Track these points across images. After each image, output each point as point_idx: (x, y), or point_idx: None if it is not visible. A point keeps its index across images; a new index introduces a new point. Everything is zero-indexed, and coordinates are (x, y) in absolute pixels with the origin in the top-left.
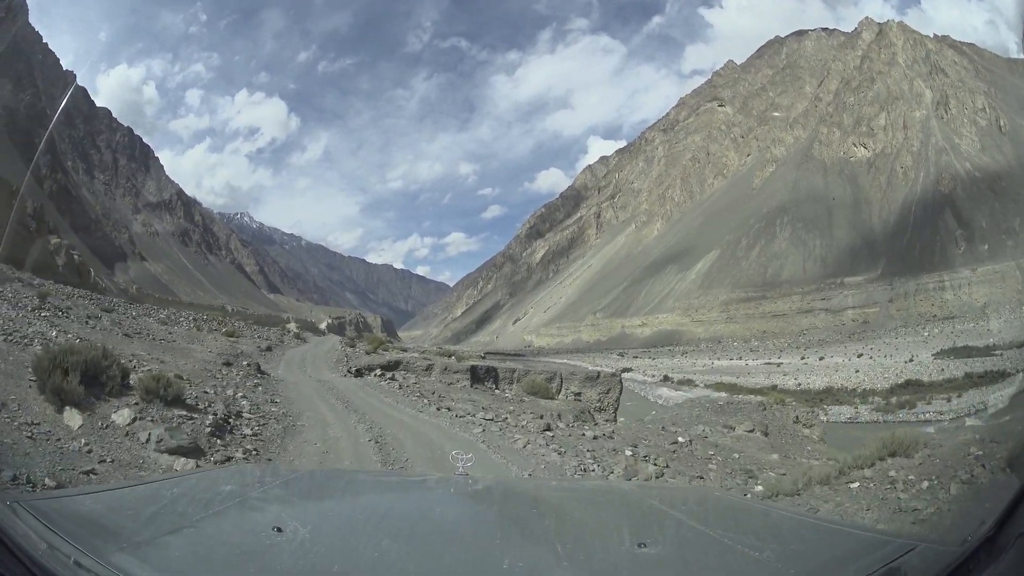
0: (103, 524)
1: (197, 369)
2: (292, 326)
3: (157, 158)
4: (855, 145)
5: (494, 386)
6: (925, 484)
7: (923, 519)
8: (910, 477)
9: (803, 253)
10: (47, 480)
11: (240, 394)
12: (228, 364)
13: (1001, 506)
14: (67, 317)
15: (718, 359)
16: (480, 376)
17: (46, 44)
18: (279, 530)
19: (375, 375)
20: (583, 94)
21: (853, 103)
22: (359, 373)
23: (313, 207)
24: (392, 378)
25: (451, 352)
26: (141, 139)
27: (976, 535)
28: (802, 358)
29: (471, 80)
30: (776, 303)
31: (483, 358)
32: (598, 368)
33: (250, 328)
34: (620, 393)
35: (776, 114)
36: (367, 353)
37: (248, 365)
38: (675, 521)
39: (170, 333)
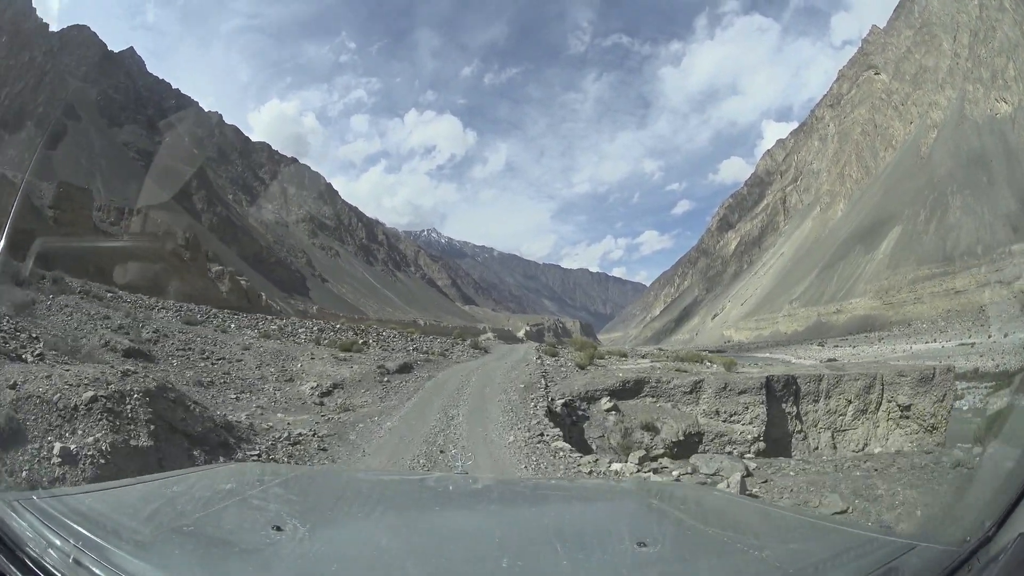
0: (103, 522)
1: None
2: (487, 336)
3: (329, 184)
4: (996, 100)
5: (794, 408)
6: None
7: (923, 518)
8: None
9: (974, 222)
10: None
11: None
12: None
13: (1001, 506)
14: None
15: (914, 344)
16: (776, 392)
17: (177, 90)
18: (278, 529)
19: (604, 408)
20: (749, 77)
21: (984, 56)
22: (573, 414)
23: (502, 218)
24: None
25: (682, 354)
26: (309, 168)
27: (976, 535)
28: (989, 336)
29: (640, 75)
30: (957, 279)
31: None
32: (930, 364)
33: (407, 337)
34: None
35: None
36: (580, 367)
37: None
38: (675, 520)
39: (246, 351)
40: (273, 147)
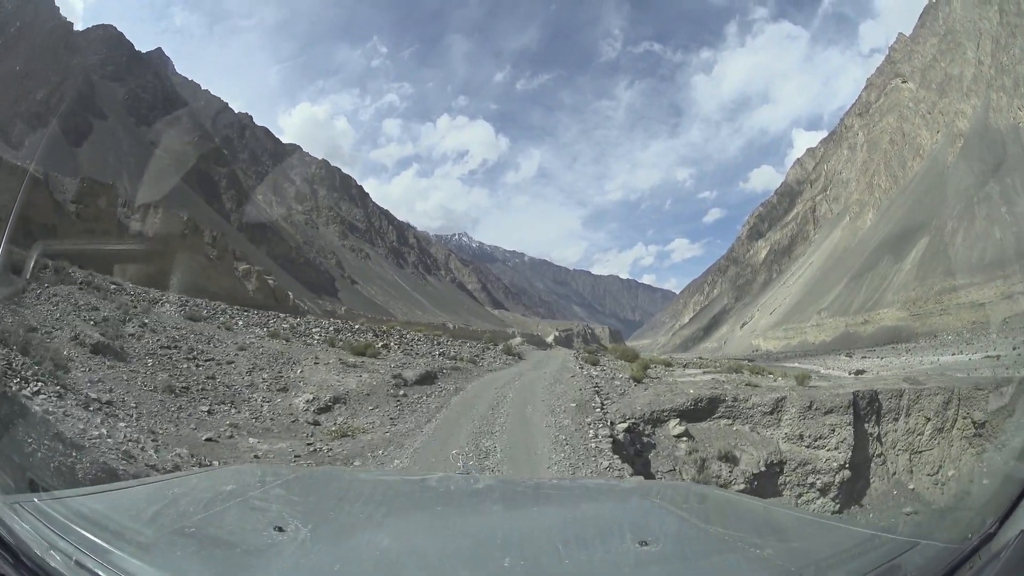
0: (104, 524)
1: None
2: (517, 340)
3: (361, 186)
4: (1019, 108)
5: (876, 428)
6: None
7: (925, 516)
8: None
9: (1001, 233)
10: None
11: None
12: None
13: (1003, 503)
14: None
15: (941, 355)
16: (860, 411)
17: (207, 91)
18: (280, 530)
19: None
20: (780, 85)
21: (1007, 63)
22: (637, 441)
23: (533, 224)
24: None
25: (738, 365)
26: (340, 170)
27: (977, 533)
28: (1014, 348)
29: (673, 83)
30: (983, 289)
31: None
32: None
33: (433, 341)
34: None
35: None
36: (635, 380)
37: None
38: (676, 519)
39: (241, 352)
40: (304, 149)
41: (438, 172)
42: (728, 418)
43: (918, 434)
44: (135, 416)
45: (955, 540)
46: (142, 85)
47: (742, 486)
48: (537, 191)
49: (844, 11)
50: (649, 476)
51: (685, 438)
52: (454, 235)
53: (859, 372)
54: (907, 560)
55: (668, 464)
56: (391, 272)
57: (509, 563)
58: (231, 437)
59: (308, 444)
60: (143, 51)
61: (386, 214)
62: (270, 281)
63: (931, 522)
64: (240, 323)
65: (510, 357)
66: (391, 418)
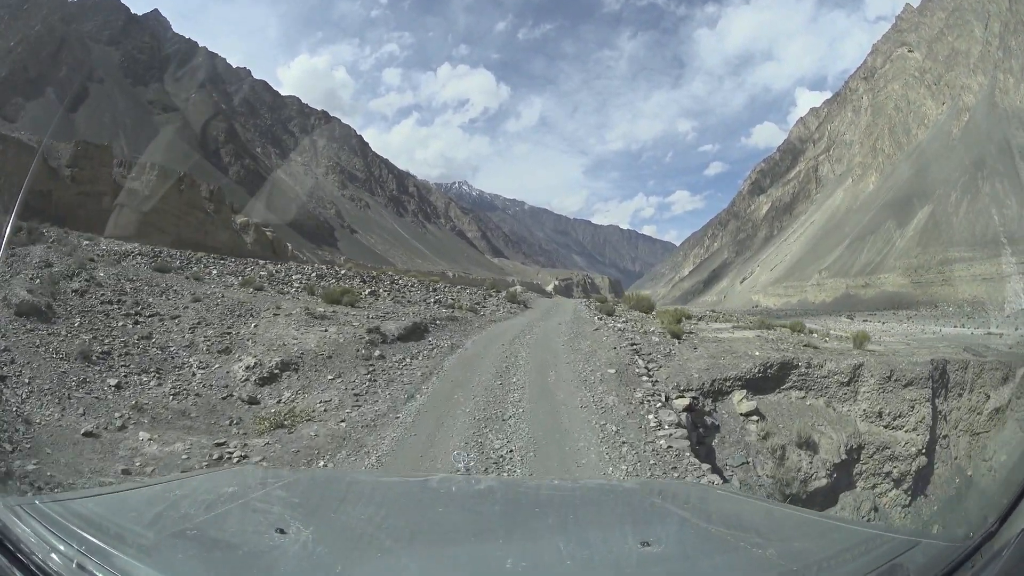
0: (106, 526)
1: None
2: (518, 288)
3: (360, 136)
4: None
5: (945, 404)
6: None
7: (926, 515)
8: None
9: (1003, 210)
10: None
11: None
12: None
13: (1004, 502)
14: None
15: (943, 326)
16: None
17: (204, 48)
18: (282, 532)
19: (740, 410)
20: (785, 44)
21: (1015, 47)
22: (698, 422)
23: (534, 172)
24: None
25: (761, 319)
26: (340, 120)
27: (979, 531)
28: (1016, 328)
29: (676, 36)
30: (984, 265)
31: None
32: None
33: (428, 287)
34: None
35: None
36: (673, 335)
37: None
38: (678, 519)
39: (195, 303)
40: (303, 101)
41: (438, 120)
42: (800, 389)
43: (977, 412)
44: (23, 395)
45: (956, 539)
46: (139, 47)
47: (823, 481)
48: (538, 139)
49: None
50: (713, 467)
51: (755, 417)
52: (454, 183)
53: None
54: (908, 559)
55: (738, 453)
56: (391, 221)
57: (511, 564)
58: (121, 428)
59: (219, 444)
60: (139, 14)
61: (386, 163)
62: (268, 233)
63: (932, 521)
64: (214, 272)
65: (514, 305)
66: (355, 394)
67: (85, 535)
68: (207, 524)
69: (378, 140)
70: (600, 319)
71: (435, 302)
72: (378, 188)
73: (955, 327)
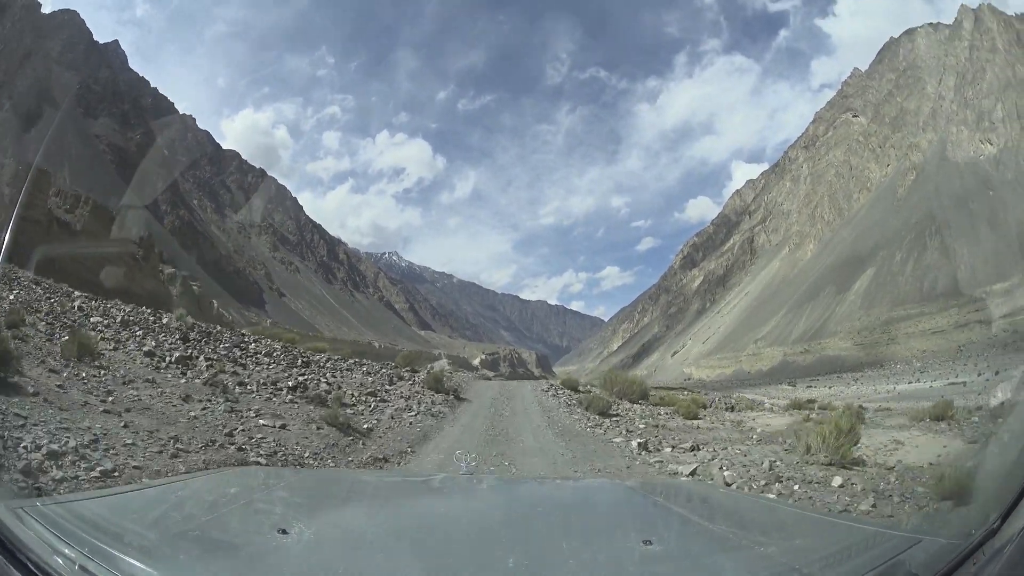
0: (108, 528)
1: None
2: (444, 364)
3: (295, 198)
4: (981, 142)
5: None
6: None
7: (927, 513)
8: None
9: (953, 262)
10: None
11: None
12: None
13: (1006, 498)
14: None
15: (897, 384)
16: None
17: (155, 88)
18: (284, 532)
19: None
20: (725, 117)
21: (971, 97)
22: None
23: (465, 245)
24: None
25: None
26: (276, 180)
27: (980, 529)
28: (979, 374)
29: (615, 111)
30: (935, 319)
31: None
32: None
33: (296, 359)
34: None
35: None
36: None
37: None
38: (679, 518)
39: None
40: (243, 156)
41: (373, 189)
42: None
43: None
44: None
45: (958, 536)
46: (95, 77)
47: None
48: (471, 213)
49: (799, 46)
50: None
51: None
52: (384, 253)
53: (810, 401)
54: (910, 556)
55: None
56: (319, 287)
57: (513, 563)
58: None
59: None
60: (101, 41)
61: (318, 228)
62: (195, 287)
63: (934, 518)
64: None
65: (437, 396)
66: None
67: (87, 537)
68: (209, 525)
69: (312, 204)
70: (600, 429)
71: (287, 391)
72: (309, 253)
73: (909, 383)
